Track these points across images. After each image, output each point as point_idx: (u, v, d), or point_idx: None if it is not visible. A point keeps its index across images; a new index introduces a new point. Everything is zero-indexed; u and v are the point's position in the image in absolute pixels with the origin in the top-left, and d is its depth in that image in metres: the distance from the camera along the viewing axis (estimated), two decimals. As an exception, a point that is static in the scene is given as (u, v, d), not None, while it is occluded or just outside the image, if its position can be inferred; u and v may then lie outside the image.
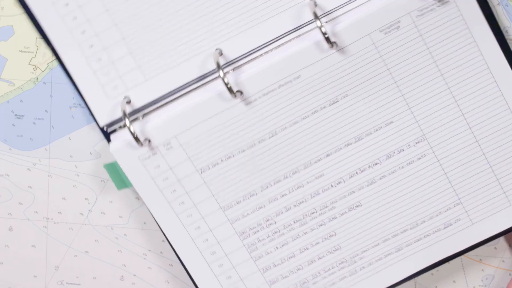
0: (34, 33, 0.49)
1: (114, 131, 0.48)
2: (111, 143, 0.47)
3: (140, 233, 0.58)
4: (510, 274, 0.56)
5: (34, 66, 0.50)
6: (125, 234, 0.57)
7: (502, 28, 0.47)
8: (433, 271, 0.56)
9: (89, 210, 0.55)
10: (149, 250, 0.59)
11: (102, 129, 0.48)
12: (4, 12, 0.48)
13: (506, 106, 0.46)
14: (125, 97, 0.46)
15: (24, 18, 0.48)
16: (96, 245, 0.58)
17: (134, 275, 0.60)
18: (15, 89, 0.50)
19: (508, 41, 0.47)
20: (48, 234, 0.56)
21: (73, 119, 0.51)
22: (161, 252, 0.60)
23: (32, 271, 0.58)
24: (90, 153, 0.52)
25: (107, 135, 0.48)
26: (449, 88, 0.46)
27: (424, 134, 0.47)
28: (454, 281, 0.56)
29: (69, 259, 0.58)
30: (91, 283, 0.61)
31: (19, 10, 0.48)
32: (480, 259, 0.56)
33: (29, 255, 0.57)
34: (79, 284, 0.60)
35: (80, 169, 0.53)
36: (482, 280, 0.56)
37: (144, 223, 0.57)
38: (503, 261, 0.56)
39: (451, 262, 0.55)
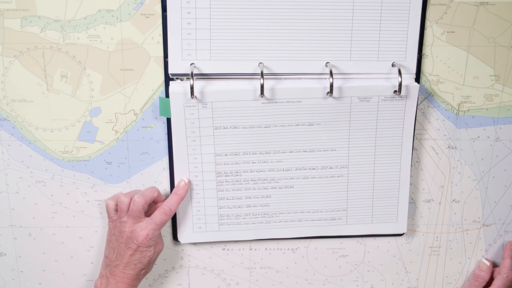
0: (114, 110, 0.66)
1: (172, 79, 0.64)
2: (170, 86, 0.63)
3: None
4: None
5: (115, 131, 0.67)
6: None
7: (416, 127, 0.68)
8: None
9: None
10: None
11: (166, 76, 0.64)
12: (94, 93, 0.65)
13: (398, 168, 0.69)
14: (192, 64, 0.63)
15: (107, 100, 0.65)
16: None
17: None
18: (104, 146, 0.67)
19: (416, 137, 0.69)
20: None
21: (143, 162, 0.69)
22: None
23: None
24: (155, 181, 0.71)
25: (166, 81, 0.64)
26: (375, 146, 0.67)
27: (348, 164, 0.67)
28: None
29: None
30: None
31: (103, 96, 0.65)
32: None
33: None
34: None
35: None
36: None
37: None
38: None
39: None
